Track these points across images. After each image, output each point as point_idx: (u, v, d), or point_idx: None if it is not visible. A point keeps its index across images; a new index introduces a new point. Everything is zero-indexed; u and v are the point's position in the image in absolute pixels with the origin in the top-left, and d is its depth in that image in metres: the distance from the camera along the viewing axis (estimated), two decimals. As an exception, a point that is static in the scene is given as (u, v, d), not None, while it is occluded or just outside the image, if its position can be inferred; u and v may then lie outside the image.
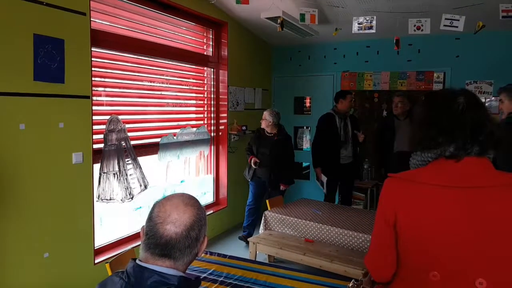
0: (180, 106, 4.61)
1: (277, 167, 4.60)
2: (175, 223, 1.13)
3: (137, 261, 1.15)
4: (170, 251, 1.12)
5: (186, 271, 1.19)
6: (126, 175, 3.66)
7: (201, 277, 2.59)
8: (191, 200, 1.21)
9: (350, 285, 1.59)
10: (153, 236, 1.13)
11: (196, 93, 4.93)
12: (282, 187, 4.70)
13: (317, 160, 4.88)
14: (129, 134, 3.72)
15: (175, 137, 4.42)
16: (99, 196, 3.45)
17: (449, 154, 1.17)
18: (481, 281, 1.11)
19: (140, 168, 3.87)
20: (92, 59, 3.24)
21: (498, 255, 1.10)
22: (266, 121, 4.61)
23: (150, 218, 1.17)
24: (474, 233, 1.11)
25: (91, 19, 3.21)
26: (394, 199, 1.24)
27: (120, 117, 3.62)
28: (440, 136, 1.19)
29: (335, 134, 4.74)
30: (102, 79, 3.53)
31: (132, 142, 3.77)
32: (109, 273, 2.31)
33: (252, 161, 4.63)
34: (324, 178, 4.81)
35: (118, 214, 3.72)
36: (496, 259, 1.11)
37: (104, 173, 3.48)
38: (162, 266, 1.12)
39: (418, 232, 1.18)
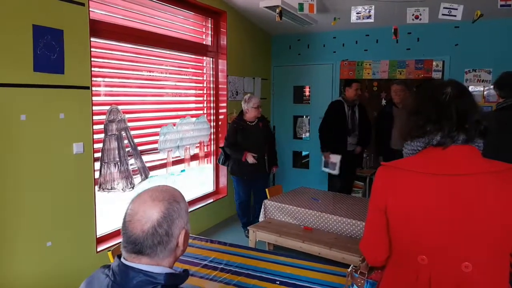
0: (180, 96, 4.62)
1: (268, 152, 4.60)
2: (141, 221, 1.11)
3: (122, 259, 1.14)
4: (140, 248, 1.11)
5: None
6: (127, 164, 3.69)
7: (201, 265, 2.64)
8: (160, 194, 1.17)
9: (349, 270, 1.64)
10: (125, 234, 1.13)
11: (195, 82, 4.93)
12: (274, 169, 4.75)
13: (325, 144, 4.93)
14: (129, 124, 3.74)
15: (174, 127, 4.44)
16: (100, 185, 3.48)
17: (436, 143, 1.22)
18: (467, 265, 1.16)
19: (141, 157, 3.90)
20: (91, 49, 3.25)
21: (482, 240, 1.14)
22: (259, 110, 4.46)
23: (123, 216, 1.16)
24: (458, 219, 1.15)
25: (90, 9, 3.21)
26: (385, 186, 1.29)
27: (120, 107, 3.64)
28: (427, 124, 1.23)
29: (343, 122, 4.80)
30: (102, 70, 3.54)
31: (132, 133, 3.79)
32: (111, 260, 2.36)
33: (250, 158, 4.37)
34: (336, 158, 4.82)
35: (119, 203, 3.76)
36: (480, 245, 1.15)
37: (105, 163, 3.51)
38: (144, 264, 1.11)
39: (406, 218, 1.23)
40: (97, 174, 3.44)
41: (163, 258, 1.14)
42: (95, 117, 3.33)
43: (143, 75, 4.03)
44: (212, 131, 5.16)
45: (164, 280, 1.09)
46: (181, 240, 1.17)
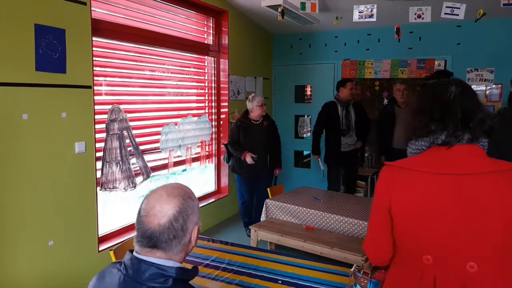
0: (181, 95, 4.62)
1: (271, 153, 4.59)
2: (157, 215, 1.14)
3: (134, 253, 1.16)
4: (156, 242, 1.13)
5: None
6: (129, 164, 3.69)
7: (203, 264, 2.64)
8: (175, 190, 1.20)
9: (352, 270, 1.63)
10: (140, 229, 1.16)
11: (197, 82, 4.93)
12: (277, 172, 4.73)
13: (314, 147, 4.99)
14: (131, 123, 3.74)
15: (176, 126, 4.44)
16: (102, 185, 3.49)
17: (441, 142, 1.21)
18: (472, 265, 1.15)
19: (142, 157, 3.90)
20: (93, 48, 3.25)
21: (487, 240, 1.14)
22: (264, 108, 4.49)
23: (138, 212, 1.19)
24: (463, 219, 1.15)
25: (92, 9, 3.21)
26: (389, 186, 1.28)
27: (122, 106, 3.64)
28: (432, 123, 1.22)
29: (336, 122, 4.78)
30: (103, 69, 3.54)
31: (134, 132, 3.79)
32: (113, 259, 2.36)
33: (249, 158, 4.34)
34: (321, 167, 4.94)
35: (121, 202, 3.77)
36: (485, 244, 1.14)
37: (106, 162, 3.52)
38: (157, 258, 1.14)
39: (410, 218, 1.22)
40: (99, 174, 3.44)
41: (176, 253, 1.17)
42: (97, 116, 3.33)
43: (145, 74, 4.03)
44: (213, 131, 5.16)
45: (176, 273, 1.12)
46: (193, 235, 1.22)
